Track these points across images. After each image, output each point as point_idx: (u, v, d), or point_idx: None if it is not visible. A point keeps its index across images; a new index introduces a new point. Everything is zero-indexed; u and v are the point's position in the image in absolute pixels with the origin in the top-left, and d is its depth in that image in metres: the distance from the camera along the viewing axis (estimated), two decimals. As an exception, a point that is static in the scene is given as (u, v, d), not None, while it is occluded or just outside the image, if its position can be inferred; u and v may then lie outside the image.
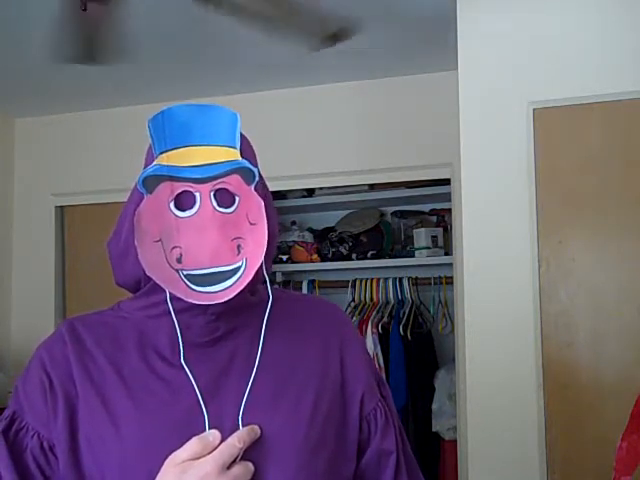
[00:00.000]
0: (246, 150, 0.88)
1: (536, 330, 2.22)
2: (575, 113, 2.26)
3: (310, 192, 3.81)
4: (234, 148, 0.85)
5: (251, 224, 0.85)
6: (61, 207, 3.81)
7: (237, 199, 0.85)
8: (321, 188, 3.72)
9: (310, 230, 3.94)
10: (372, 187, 3.62)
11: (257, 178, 0.86)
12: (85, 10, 1.82)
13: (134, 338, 0.91)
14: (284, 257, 3.81)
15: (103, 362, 0.89)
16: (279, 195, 3.80)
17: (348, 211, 3.92)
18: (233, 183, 0.85)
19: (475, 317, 2.31)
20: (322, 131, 3.39)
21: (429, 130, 3.19)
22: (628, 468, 1.15)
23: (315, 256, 3.79)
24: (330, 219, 3.96)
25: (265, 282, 0.90)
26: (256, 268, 0.84)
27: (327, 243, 3.80)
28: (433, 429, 3.30)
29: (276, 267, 3.83)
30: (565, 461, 2.18)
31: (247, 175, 0.85)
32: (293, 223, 3.96)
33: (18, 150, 3.85)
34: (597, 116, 2.24)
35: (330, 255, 3.76)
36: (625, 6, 2.25)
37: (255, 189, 0.86)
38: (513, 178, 2.29)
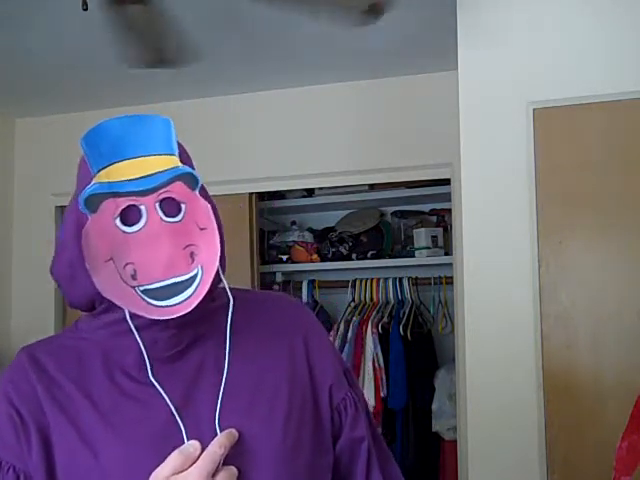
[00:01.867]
0: (183, 156, 0.86)
1: (536, 330, 2.22)
2: (575, 113, 2.26)
3: (310, 192, 3.81)
4: (172, 155, 0.83)
5: (201, 229, 0.84)
6: (61, 207, 3.80)
7: (183, 207, 0.84)
8: (321, 188, 3.71)
9: (310, 230, 3.93)
10: (372, 187, 3.62)
11: (200, 182, 0.84)
12: (86, 9, 1.81)
13: (99, 359, 0.89)
14: (284, 257, 3.81)
15: (70, 388, 0.87)
16: (279, 195, 3.80)
17: (348, 211, 3.91)
18: (177, 190, 0.83)
19: (475, 317, 2.31)
20: (322, 131, 3.39)
21: (429, 130, 3.19)
22: (628, 468, 1.15)
23: (315, 256, 3.78)
24: (330, 219, 3.96)
25: (225, 289, 0.88)
26: (213, 274, 0.83)
27: (327, 243, 3.80)
28: (433, 429, 3.30)
29: (276, 267, 3.83)
30: (565, 461, 2.18)
31: (190, 181, 0.84)
32: (293, 223, 3.96)
33: (18, 150, 3.85)
34: (597, 116, 2.24)
35: (330, 255, 3.76)
36: (625, 6, 2.24)
37: (200, 193, 0.85)
38: (513, 178, 2.29)
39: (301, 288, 3.77)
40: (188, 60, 2.49)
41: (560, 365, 2.20)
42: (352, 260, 3.71)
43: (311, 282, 3.77)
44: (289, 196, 3.83)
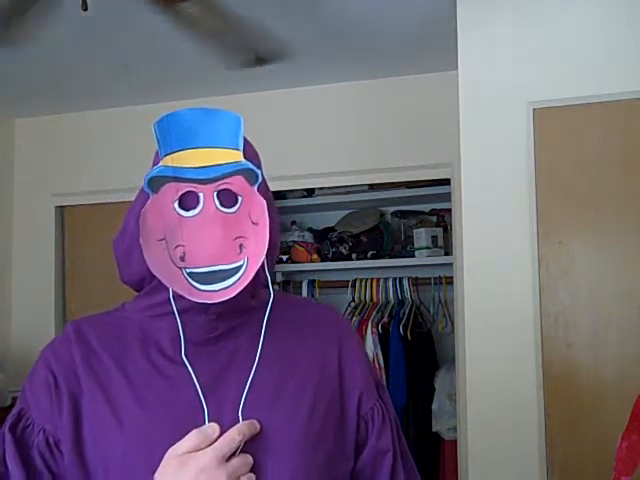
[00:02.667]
0: (249, 152, 0.90)
1: (536, 330, 2.22)
2: (575, 113, 2.26)
3: (310, 192, 3.81)
4: (237, 150, 0.87)
5: (253, 224, 0.87)
6: (61, 207, 3.81)
7: (240, 199, 0.87)
8: (321, 188, 3.71)
9: (310, 230, 3.94)
10: (372, 187, 3.62)
11: (260, 179, 0.88)
12: (86, 10, 1.82)
13: (137, 337, 0.94)
14: (284, 257, 3.81)
15: (108, 361, 0.92)
16: (279, 195, 3.80)
17: (348, 211, 3.92)
18: (236, 184, 0.86)
19: (475, 317, 2.31)
20: (322, 131, 3.39)
21: (429, 130, 3.19)
22: (628, 468, 1.15)
23: (315, 256, 3.79)
24: (330, 219, 3.96)
25: (267, 284, 0.91)
26: (257, 267, 0.86)
27: (327, 243, 3.80)
28: (433, 429, 3.30)
29: (276, 267, 3.82)
30: (565, 461, 2.18)
31: (250, 176, 0.87)
32: (293, 223, 3.96)
33: (18, 150, 3.85)
34: (597, 116, 2.24)
35: (330, 255, 3.77)
36: (625, 6, 2.25)
37: (258, 190, 0.88)
38: (513, 178, 2.29)
39: (301, 288, 3.77)
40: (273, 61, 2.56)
41: (560, 364, 2.20)
42: (352, 260, 3.71)
43: (311, 282, 3.78)
44: (289, 196, 3.83)
